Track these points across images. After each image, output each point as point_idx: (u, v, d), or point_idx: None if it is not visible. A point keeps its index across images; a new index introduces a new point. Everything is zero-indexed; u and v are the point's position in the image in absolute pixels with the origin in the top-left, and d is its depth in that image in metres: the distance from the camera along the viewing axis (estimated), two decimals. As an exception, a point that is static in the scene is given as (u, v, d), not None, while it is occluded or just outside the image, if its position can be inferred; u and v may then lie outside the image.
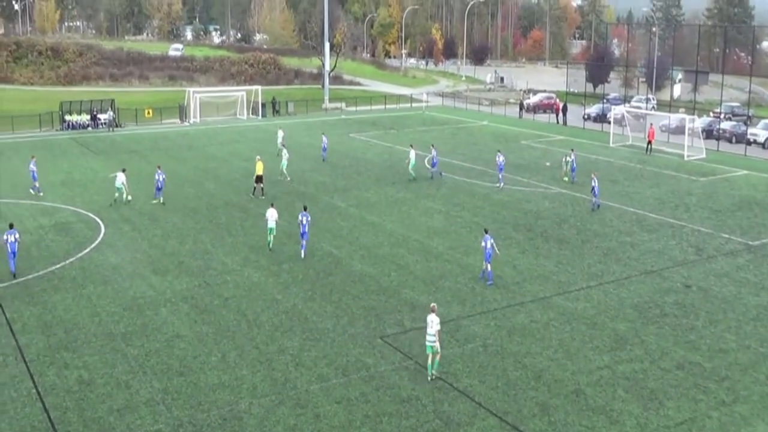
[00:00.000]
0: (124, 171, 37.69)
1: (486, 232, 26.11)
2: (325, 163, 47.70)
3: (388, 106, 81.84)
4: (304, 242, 28.47)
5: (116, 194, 36.73)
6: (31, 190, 38.67)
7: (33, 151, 49.24)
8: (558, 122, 70.08)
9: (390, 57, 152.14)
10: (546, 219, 34.49)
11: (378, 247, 29.82)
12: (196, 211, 35.34)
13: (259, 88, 74.97)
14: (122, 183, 36.68)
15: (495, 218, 34.43)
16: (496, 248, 25.97)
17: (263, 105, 73.34)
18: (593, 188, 36.03)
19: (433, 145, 45.39)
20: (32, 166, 39.15)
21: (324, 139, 49.42)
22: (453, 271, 26.87)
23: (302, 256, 28.35)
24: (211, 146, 54.66)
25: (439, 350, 18.81)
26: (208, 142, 56.42)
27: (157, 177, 36.92)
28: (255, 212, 35.04)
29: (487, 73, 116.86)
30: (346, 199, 37.95)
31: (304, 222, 28.15)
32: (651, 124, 55.59)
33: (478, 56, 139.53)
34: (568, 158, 42.99)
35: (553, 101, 77.89)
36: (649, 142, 53.70)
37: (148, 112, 68.52)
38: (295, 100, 79.42)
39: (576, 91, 78.55)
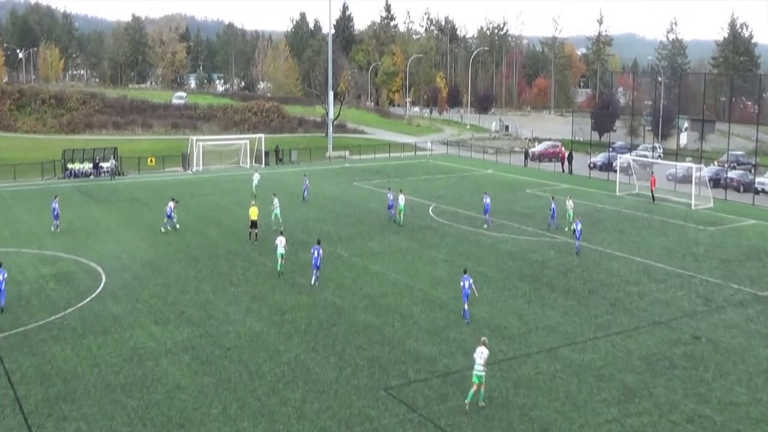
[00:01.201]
0: (174, 200, 42.44)
1: (465, 272, 27.36)
2: (317, 207, 48.08)
3: (392, 155, 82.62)
4: (316, 272, 31.20)
5: (172, 221, 41.83)
6: (52, 227, 41.61)
7: (35, 200, 49.84)
8: (563, 171, 70.60)
9: (394, 105, 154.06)
10: (552, 269, 34.63)
11: (382, 297, 29.94)
12: (197, 260, 35.57)
13: (262, 136, 75.92)
14: (172, 210, 41.85)
15: (500, 268, 34.58)
16: (474, 289, 27.27)
17: (267, 153, 74.15)
18: (575, 232, 37.56)
19: (390, 188, 47.25)
20: (55, 205, 42.05)
21: (305, 181, 52.85)
22: (458, 322, 26.92)
23: (312, 282, 31.09)
24: (214, 195, 55.13)
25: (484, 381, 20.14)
26: (211, 191, 56.91)
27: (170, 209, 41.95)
28: (258, 261, 35.24)
29: (491, 122, 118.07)
30: (350, 248, 38.18)
31: (316, 255, 30.92)
32: (652, 173, 56.02)
33: (483, 104, 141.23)
34: (568, 208, 43.21)
35: (558, 150, 78.60)
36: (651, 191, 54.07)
37: (151, 161, 69.27)
38: (298, 148, 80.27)
39: (581, 139, 79.26)
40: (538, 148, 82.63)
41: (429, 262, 35.63)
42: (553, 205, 43.73)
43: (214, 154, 70.54)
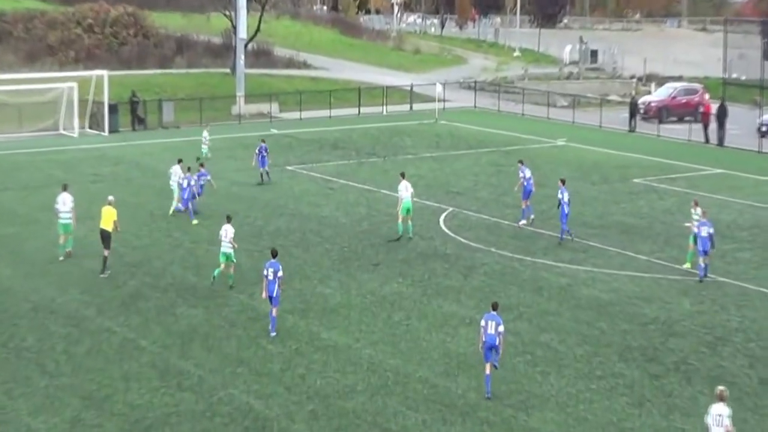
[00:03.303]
0: (180, 162, 50.62)
1: (493, 309, 29.72)
2: (217, 215, 48.04)
3: (365, 110, 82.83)
4: (273, 310, 34.36)
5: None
6: None
7: None
8: (707, 140, 70.96)
9: (369, 12, 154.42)
10: (686, 337, 34.76)
11: (345, 396, 29.91)
12: (-26, 325, 35.50)
13: (104, 73, 75.65)
14: (177, 181, 49.56)
15: (584, 335, 34.65)
16: (501, 339, 29.08)
17: (113, 107, 73.84)
18: (697, 240, 39.66)
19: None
20: None
21: (262, 149, 56.09)
22: (498, 443, 27.04)
23: (272, 333, 33.96)
24: (6, 193, 54.96)
25: None
26: (1, 185, 56.68)
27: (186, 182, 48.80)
28: (94, 326, 35.09)
29: (563, 44, 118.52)
30: (282, 297, 38.07)
31: (272, 278, 33.91)
32: None
33: (546, 11, 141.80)
34: (696, 222, 42.25)
35: (696, 99, 78.93)
36: None
37: None
38: (176, 98, 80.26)
39: (744, 78, 79.73)
40: (655, 96, 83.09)
41: (439, 323, 35.74)
42: (561, 196, 44.33)
43: (9, 111, 70.31)
